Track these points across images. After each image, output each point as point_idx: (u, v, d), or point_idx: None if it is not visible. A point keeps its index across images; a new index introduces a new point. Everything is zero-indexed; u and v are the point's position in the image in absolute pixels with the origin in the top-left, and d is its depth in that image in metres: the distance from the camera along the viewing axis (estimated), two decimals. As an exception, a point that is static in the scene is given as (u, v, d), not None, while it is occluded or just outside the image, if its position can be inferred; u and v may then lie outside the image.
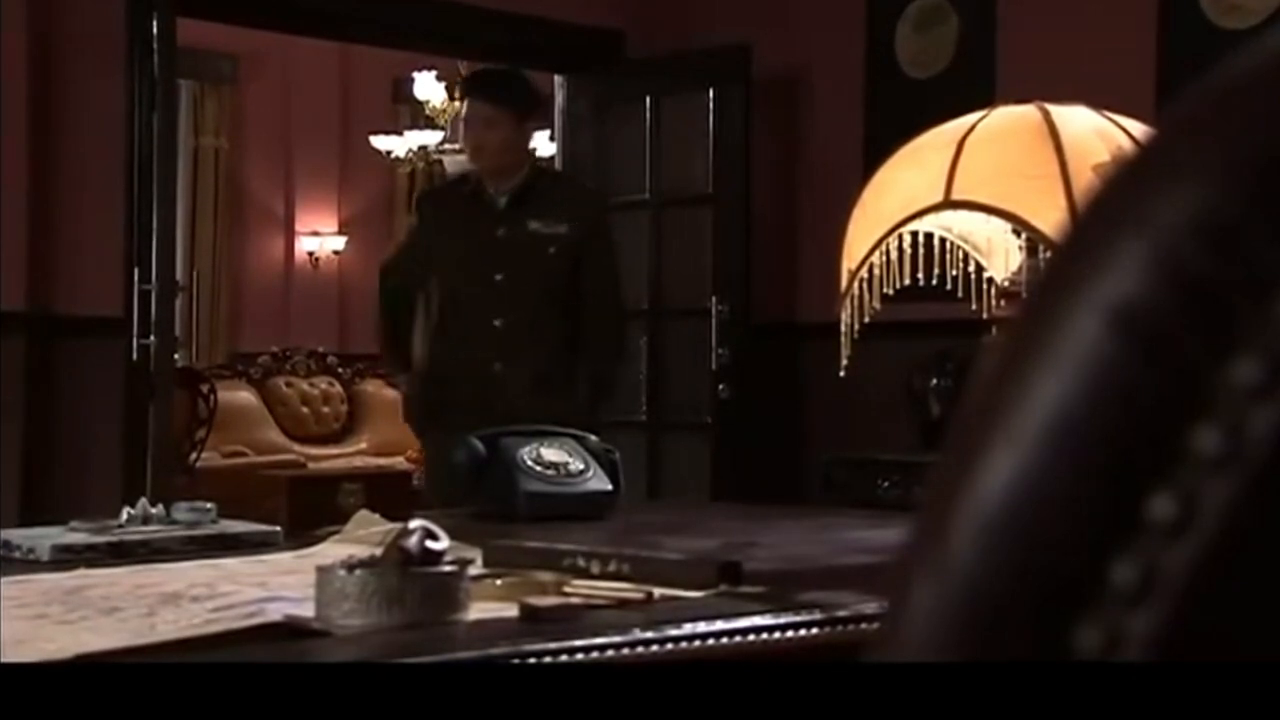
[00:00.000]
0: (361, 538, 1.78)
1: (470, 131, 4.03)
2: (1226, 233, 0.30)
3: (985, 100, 4.45)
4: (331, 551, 1.68)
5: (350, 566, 1.29)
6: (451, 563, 1.33)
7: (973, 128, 1.98)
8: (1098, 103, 2.07)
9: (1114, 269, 0.31)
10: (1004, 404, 0.32)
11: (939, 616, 0.31)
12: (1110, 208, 0.33)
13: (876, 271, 1.98)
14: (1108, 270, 0.31)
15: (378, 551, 1.34)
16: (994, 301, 2.10)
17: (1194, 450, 0.29)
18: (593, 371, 4.06)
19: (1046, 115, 1.96)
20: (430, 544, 1.30)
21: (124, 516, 1.84)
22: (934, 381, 4.44)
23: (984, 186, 1.93)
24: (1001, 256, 2.07)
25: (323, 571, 1.29)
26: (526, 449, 2.43)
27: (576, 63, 5.52)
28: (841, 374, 2.01)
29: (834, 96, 5.07)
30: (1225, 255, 0.30)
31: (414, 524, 1.33)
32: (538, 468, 2.40)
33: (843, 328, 2.01)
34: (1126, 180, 0.33)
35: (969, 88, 4.52)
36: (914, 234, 1.98)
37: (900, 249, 1.97)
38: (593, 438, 2.54)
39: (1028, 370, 0.32)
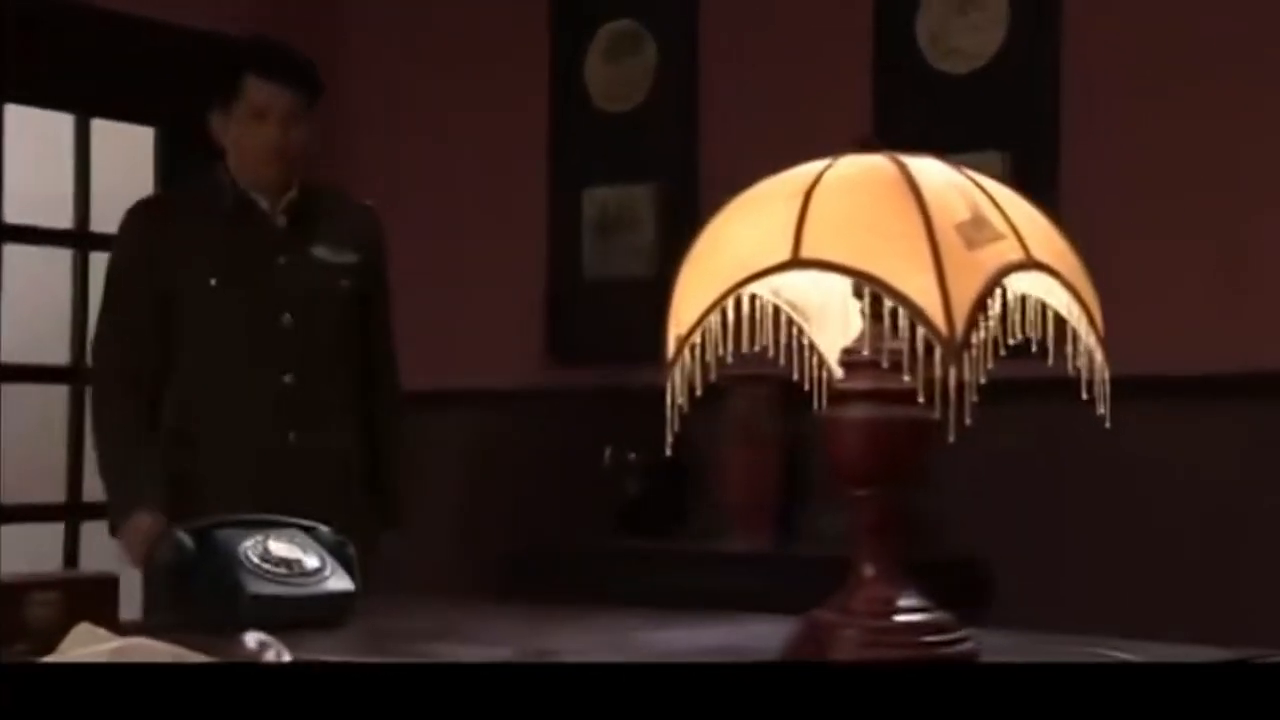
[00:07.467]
0: (85, 659, 1.38)
1: (268, 127, 3.16)
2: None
3: (688, 138, 4.20)
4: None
5: None
6: None
7: (819, 177, 1.71)
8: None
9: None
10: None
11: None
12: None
13: (712, 337, 1.69)
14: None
15: None
16: (817, 372, 1.84)
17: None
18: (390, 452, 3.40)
19: (903, 168, 1.71)
20: None
21: None
22: (631, 456, 4.20)
23: (837, 244, 1.66)
24: (838, 323, 1.81)
25: None
26: (249, 543, 2.02)
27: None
28: (668, 451, 1.72)
29: (519, 131, 4.65)
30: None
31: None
32: (265, 565, 2.00)
33: (668, 400, 1.71)
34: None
35: (669, 123, 4.28)
36: (753, 297, 1.71)
37: (739, 313, 1.69)
38: (323, 528, 2.15)
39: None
